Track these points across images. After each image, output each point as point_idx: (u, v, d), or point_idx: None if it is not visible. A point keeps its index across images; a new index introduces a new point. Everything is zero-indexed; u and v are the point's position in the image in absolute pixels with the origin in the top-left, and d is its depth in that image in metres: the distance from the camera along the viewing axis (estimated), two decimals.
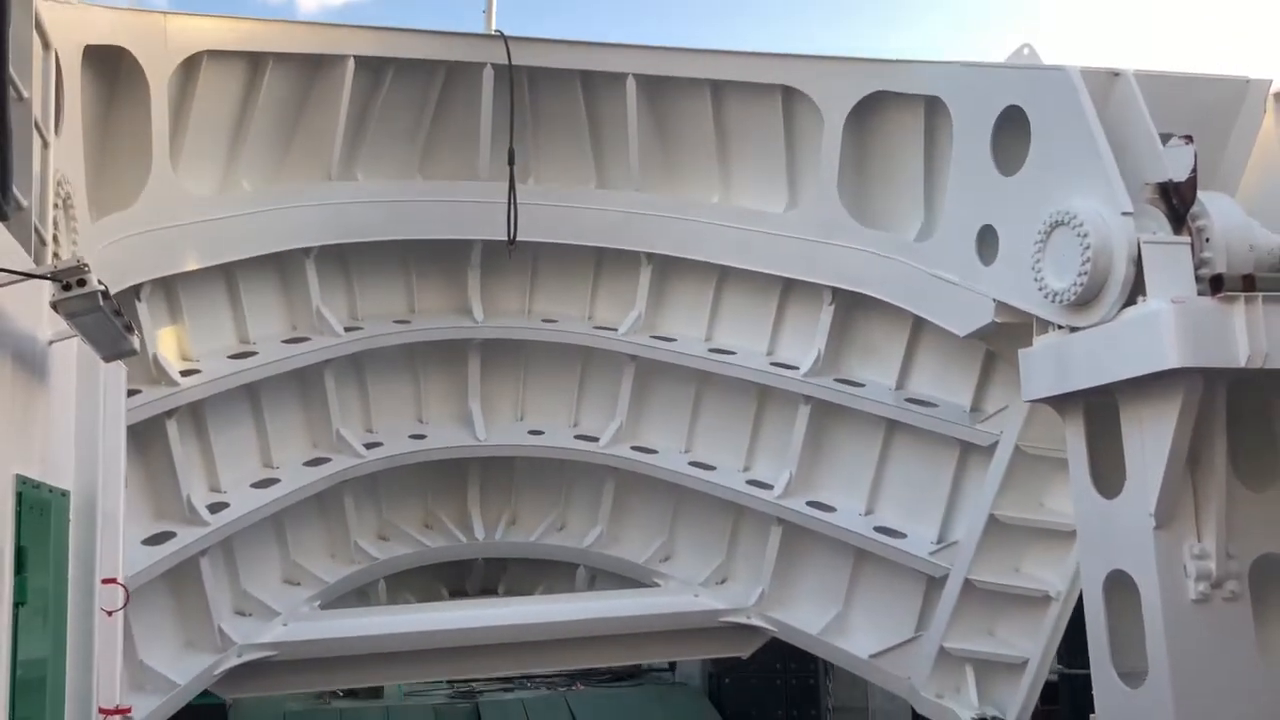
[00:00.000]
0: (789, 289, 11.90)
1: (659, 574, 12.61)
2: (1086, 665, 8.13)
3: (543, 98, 12.34)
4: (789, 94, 11.34)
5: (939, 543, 10.86)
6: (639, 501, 12.98)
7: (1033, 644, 10.21)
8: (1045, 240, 8.18)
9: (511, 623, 11.70)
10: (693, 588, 12.29)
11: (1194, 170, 7.71)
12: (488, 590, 13.76)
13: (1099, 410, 8.03)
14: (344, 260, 12.37)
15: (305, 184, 11.56)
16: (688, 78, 11.83)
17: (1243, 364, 7.15)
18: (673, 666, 18.37)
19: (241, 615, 11.17)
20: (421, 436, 12.73)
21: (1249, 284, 7.41)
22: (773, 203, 11.76)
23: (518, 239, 12.03)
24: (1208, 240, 7.75)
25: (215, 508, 10.71)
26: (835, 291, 11.34)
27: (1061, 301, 8.01)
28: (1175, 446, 7.33)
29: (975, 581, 10.39)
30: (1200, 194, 7.79)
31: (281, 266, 11.80)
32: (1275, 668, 7.46)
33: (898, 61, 10.50)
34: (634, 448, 12.70)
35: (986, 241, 9.18)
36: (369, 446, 12.25)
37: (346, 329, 12.14)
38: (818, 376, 11.53)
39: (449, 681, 14.34)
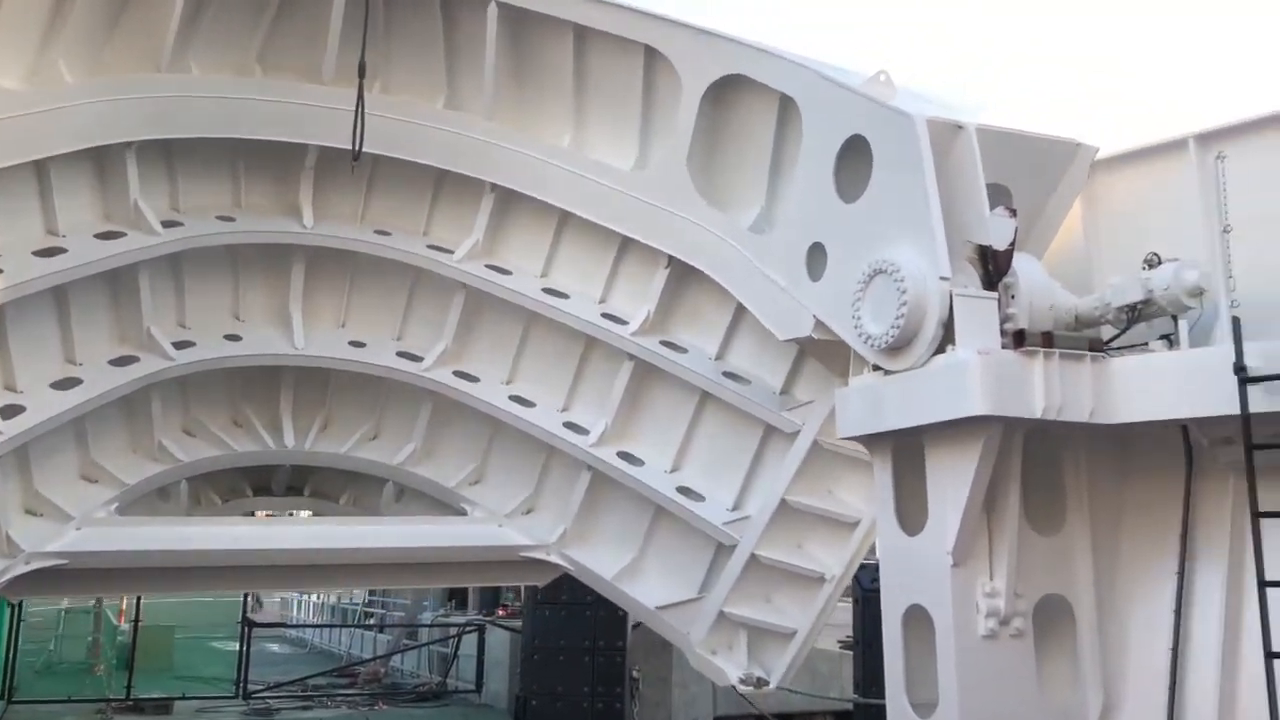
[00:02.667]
0: (627, 245, 11.96)
1: (466, 499, 12.91)
2: (881, 695, 8.63)
3: (398, 8, 11.77)
4: (652, 55, 11.12)
5: (734, 509, 11.49)
6: (455, 425, 13.12)
7: (804, 617, 11.09)
8: (867, 284, 8.47)
9: (314, 545, 11.82)
10: (497, 518, 12.66)
11: (1013, 243, 8.13)
12: (294, 490, 13.79)
13: (906, 451, 8.45)
14: (168, 152, 11.69)
15: (132, 76, 10.80)
16: (553, 16, 11.46)
17: (1039, 415, 7.66)
18: (479, 688, 17.86)
19: (32, 515, 10.92)
20: (237, 338, 12.43)
21: (1048, 340, 7.95)
22: (621, 159, 11.67)
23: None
24: (1013, 297, 8.22)
25: (9, 411, 10.30)
26: (671, 258, 11.52)
27: (875, 346, 8.40)
28: (974, 489, 7.78)
29: (760, 556, 11.10)
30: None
31: (98, 157, 11.09)
32: (1052, 700, 8.12)
33: (759, 49, 10.39)
34: (456, 372, 12.77)
35: (816, 258, 9.36)
36: (180, 346, 11.90)
37: (166, 223, 11.58)
38: (644, 336, 11.79)
39: (244, 697, 14.31)
